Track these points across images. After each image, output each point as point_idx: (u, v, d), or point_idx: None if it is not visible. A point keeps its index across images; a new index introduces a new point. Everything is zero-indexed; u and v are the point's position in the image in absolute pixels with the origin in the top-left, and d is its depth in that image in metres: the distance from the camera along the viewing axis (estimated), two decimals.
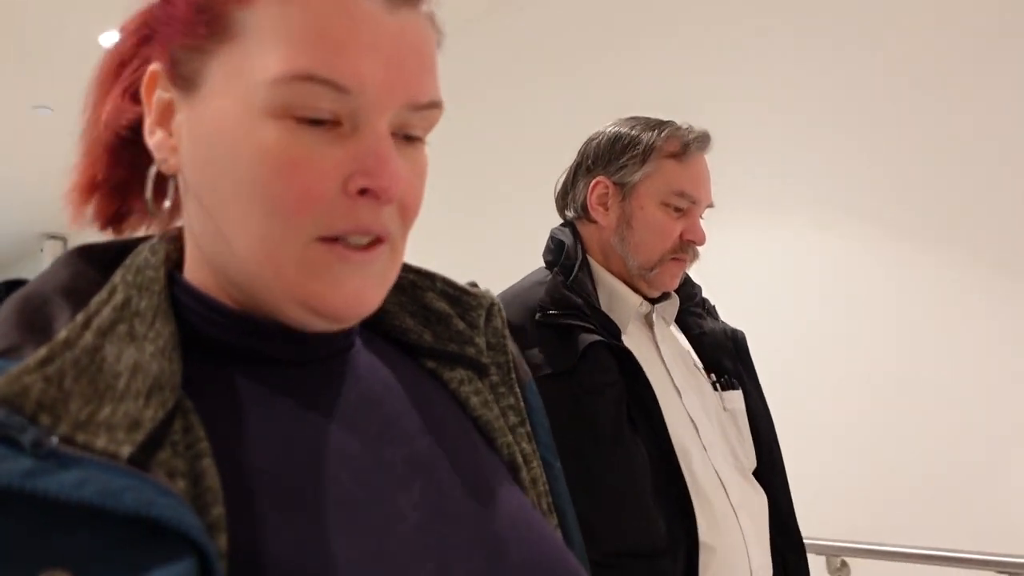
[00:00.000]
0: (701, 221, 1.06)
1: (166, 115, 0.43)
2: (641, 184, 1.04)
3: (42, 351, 0.34)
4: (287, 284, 0.40)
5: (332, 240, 0.40)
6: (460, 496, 0.45)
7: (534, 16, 3.20)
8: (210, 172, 0.41)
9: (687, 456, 0.95)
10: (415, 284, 0.54)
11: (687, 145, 1.04)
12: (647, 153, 1.03)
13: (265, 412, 0.42)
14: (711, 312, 1.20)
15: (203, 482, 0.35)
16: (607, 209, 1.06)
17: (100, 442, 0.33)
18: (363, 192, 0.40)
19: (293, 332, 0.44)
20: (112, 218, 0.48)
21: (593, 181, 1.07)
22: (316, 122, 0.39)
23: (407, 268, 0.54)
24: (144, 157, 0.45)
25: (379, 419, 0.46)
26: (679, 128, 1.05)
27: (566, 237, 1.07)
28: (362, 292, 0.42)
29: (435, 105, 0.43)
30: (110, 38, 0.45)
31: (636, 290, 1.07)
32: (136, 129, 0.44)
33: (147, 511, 0.31)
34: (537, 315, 0.98)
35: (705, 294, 1.21)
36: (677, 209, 1.03)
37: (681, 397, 1.02)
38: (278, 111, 0.38)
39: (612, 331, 0.99)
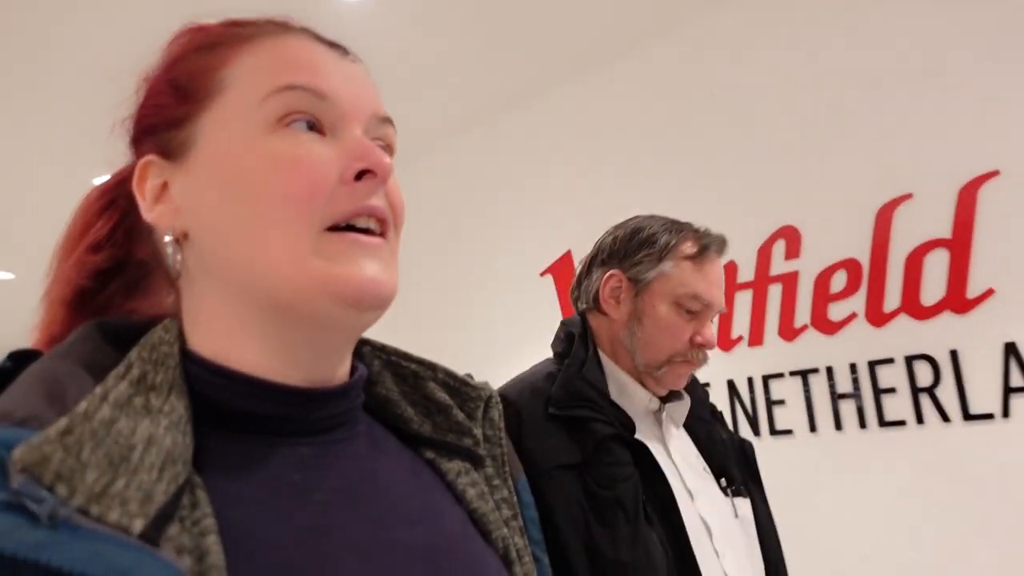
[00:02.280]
0: (711, 325, 1.06)
1: (160, 196, 0.48)
2: (655, 282, 1.04)
3: (62, 422, 0.35)
4: (311, 275, 0.43)
5: (341, 229, 0.44)
6: None
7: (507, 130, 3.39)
8: (217, 205, 0.45)
9: (699, 559, 0.92)
10: (417, 375, 0.56)
11: (705, 248, 1.04)
12: (664, 252, 1.04)
13: (272, 487, 0.42)
14: (719, 418, 1.19)
15: (207, 559, 0.35)
16: (619, 303, 1.06)
17: (113, 515, 0.33)
18: (359, 177, 0.45)
19: (302, 391, 0.46)
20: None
21: (608, 274, 1.07)
22: (307, 127, 0.45)
23: (410, 358, 0.56)
24: (101, 308, 0.51)
25: (381, 502, 0.46)
26: (698, 231, 1.07)
27: (576, 328, 1.07)
28: (379, 276, 0.45)
29: (392, 122, 0.51)
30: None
31: (643, 386, 1.07)
32: (97, 276, 0.51)
33: None
34: (551, 408, 0.97)
35: None
36: (689, 311, 1.03)
37: (693, 499, 1.00)
38: (272, 124, 0.44)
39: (626, 424, 0.99)
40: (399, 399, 0.54)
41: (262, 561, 0.38)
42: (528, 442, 0.94)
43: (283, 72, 0.45)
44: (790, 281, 2.34)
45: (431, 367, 0.56)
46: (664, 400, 1.09)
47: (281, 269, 0.43)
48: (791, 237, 2.36)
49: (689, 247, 1.04)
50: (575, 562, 0.86)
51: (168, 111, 0.47)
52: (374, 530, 0.44)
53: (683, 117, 2.68)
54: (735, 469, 1.08)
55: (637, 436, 0.98)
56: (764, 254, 2.41)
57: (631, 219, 1.12)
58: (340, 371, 0.49)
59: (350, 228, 0.45)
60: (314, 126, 0.45)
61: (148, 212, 0.47)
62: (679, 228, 1.07)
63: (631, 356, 1.05)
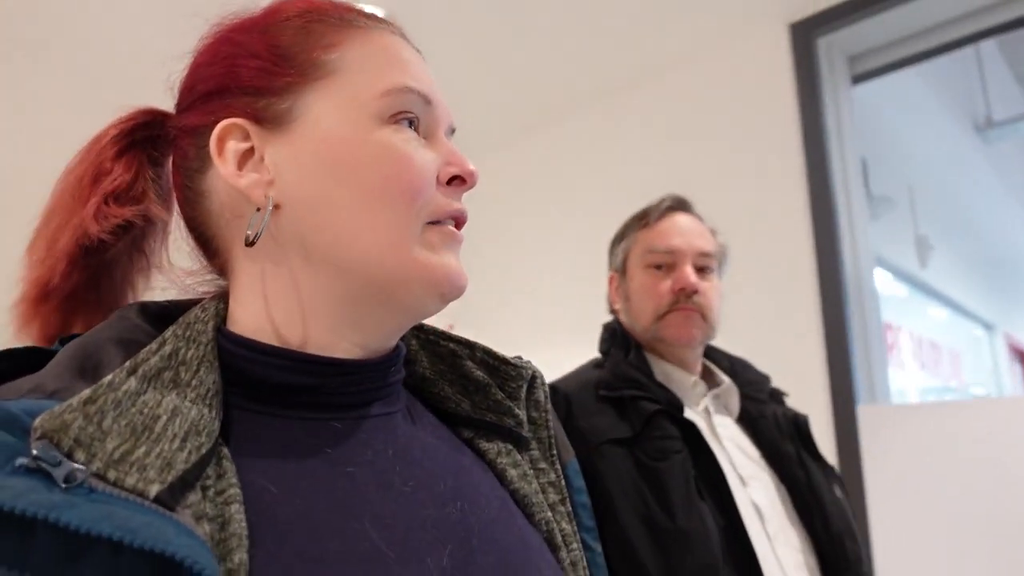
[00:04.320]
0: (688, 268, 1.07)
1: (244, 161, 0.46)
2: (627, 260, 1.14)
3: (86, 392, 0.36)
4: (414, 262, 0.46)
5: (436, 223, 0.47)
6: (493, 565, 0.44)
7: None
8: (328, 185, 0.45)
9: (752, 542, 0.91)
10: (455, 353, 0.55)
11: (648, 213, 1.12)
12: (624, 233, 1.16)
13: (302, 462, 0.42)
14: (776, 398, 1.17)
15: (229, 527, 0.36)
16: (619, 297, 1.16)
17: (130, 480, 0.34)
18: (451, 182, 0.48)
19: (338, 362, 0.46)
20: (53, 339, 0.48)
21: (608, 279, 1.19)
22: (410, 127, 0.47)
23: (448, 336, 0.56)
24: (110, 267, 0.49)
25: (415, 479, 0.46)
26: (650, 204, 1.15)
27: (616, 327, 1.14)
28: (462, 269, 0.49)
29: (454, 131, 0.53)
30: None
31: (683, 369, 1.09)
32: (115, 232, 0.47)
33: (162, 548, 0.31)
34: (601, 391, 1.01)
35: None
36: (657, 267, 1.08)
37: (744, 484, 0.99)
38: (386, 119, 0.46)
39: (675, 403, 1.00)
40: (436, 377, 0.54)
41: (286, 532, 0.38)
42: (578, 422, 0.97)
43: (398, 72, 0.48)
44: None
45: (469, 345, 0.55)
46: (711, 387, 1.09)
47: (386, 252, 0.45)
48: None
49: (641, 219, 1.13)
50: (632, 533, 0.87)
51: (269, 76, 0.46)
52: (406, 506, 0.44)
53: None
54: (786, 444, 1.06)
55: (686, 416, 0.99)
56: None
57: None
58: (384, 349, 0.49)
59: (442, 222, 0.48)
60: (415, 126, 0.48)
61: (236, 177, 0.46)
62: (638, 212, 1.15)
63: (641, 334, 1.10)
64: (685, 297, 1.05)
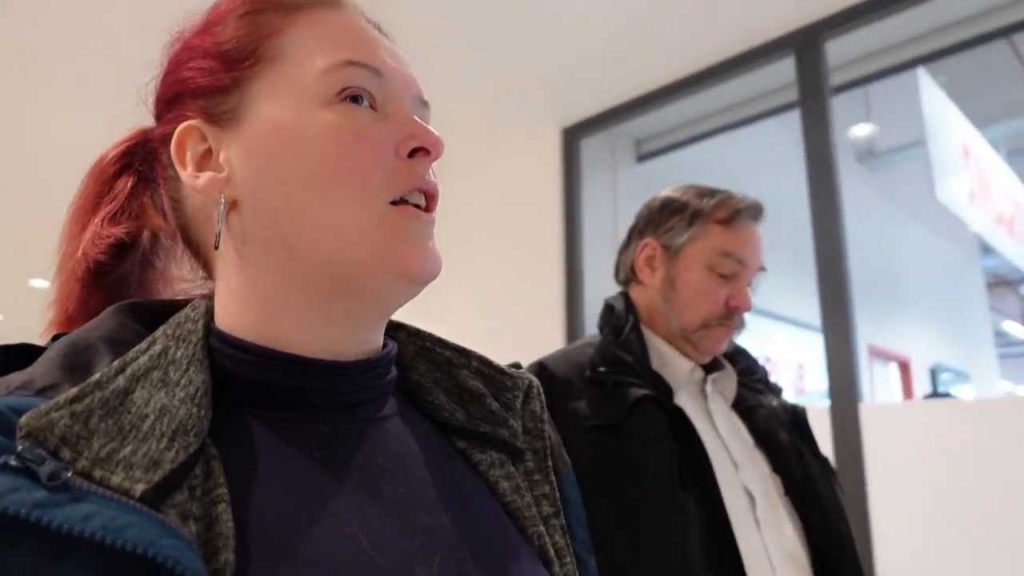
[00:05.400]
0: (746, 286, 1.03)
1: (204, 163, 0.46)
2: (687, 246, 1.04)
3: (73, 390, 0.36)
4: (374, 248, 0.44)
5: (399, 202, 0.45)
6: None
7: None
8: (278, 174, 0.44)
9: (737, 529, 0.89)
10: (451, 361, 0.54)
11: (736, 213, 1.03)
12: (694, 217, 1.04)
13: (292, 465, 0.42)
14: (773, 389, 1.15)
15: (216, 527, 0.35)
16: (653, 270, 1.07)
17: (116, 479, 0.34)
18: (412, 154, 0.46)
19: (325, 363, 0.45)
20: None
21: (642, 243, 1.09)
22: (360, 103, 0.46)
23: (445, 344, 0.54)
24: (119, 287, 0.49)
25: (405, 486, 0.45)
26: (731, 197, 1.05)
27: (617, 303, 1.09)
28: (434, 251, 0.47)
29: (428, 105, 0.51)
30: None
31: (684, 355, 1.05)
32: (114, 251, 0.48)
33: (146, 549, 0.31)
34: (587, 372, 0.98)
35: None
36: (722, 275, 1.02)
37: (738, 470, 0.98)
38: (330, 98, 0.45)
39: (663, 389, 0.98)
40: (431, 386, 0.53)
41: (273, 533, 0.38)
42: (563, 405, 0.95)
43: (343, 47, 0.46)
44: None
45: (465, 354, 0.54)
46: (707, 371, 1.07)
47: (346, 239, 0.43)
48: None
49: (720, 212, 1.04)
50: (605, 521, 0.84)
51: (214, 75, 0.46)
52: (396, 513, 0.43)
53: None
54: (783, 433, 1.04)
55: (677, 403, 0.97)
56: None
57: (669, 189, 1.12)
58: (369, 347, 0.48)
59: (403, 203, 0.46)
60: (367, 102, 0.46)
61: (193, 179, 0.46)
62: (712, 195, 1.06)
63: (668, 323, 1.05)
64: (737, 316, 1.03)
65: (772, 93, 2.47)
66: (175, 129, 0.47)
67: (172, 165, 0.48)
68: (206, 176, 0.46)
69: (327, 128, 0.44)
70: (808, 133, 2.11)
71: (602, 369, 0.98)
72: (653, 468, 0.89)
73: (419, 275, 0.45)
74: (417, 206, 0.47)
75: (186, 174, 0.46)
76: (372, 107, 0.46)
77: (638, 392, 0.94)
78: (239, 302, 0.46)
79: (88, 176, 0.51)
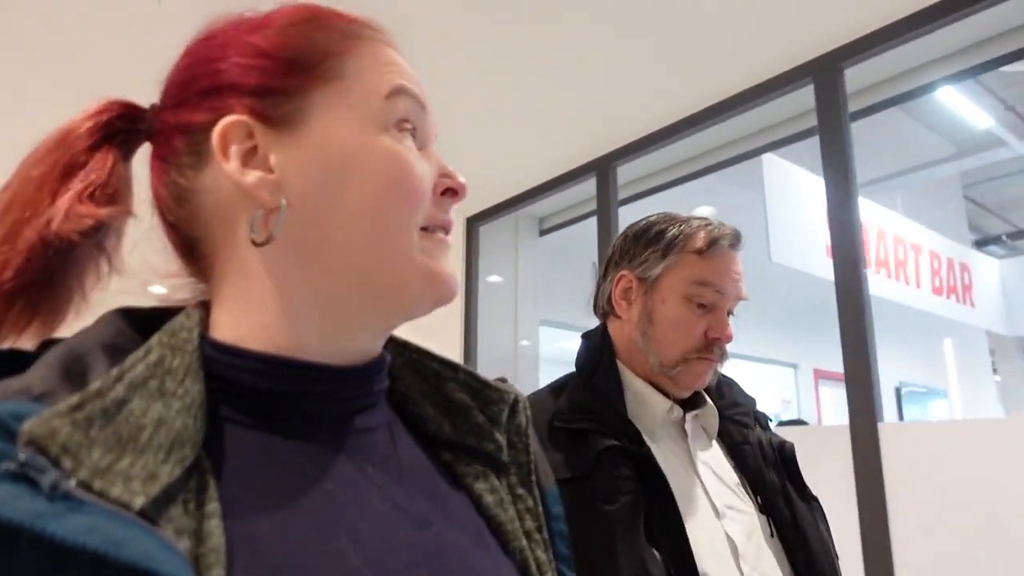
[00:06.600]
0: (725, 316, 0.99)
1: (247, 160, 0.45)
2: (663, 278, 0.99)
3: (74, 398, 0.35)
4: (414, 265, 0.47)
5: (426, 229, 0.48)
6: None
7: None
8: (334, 189, 0.45)
9: None
10: (438, 373, 0.54)
11: (713, 241, 0.98)
12: (669, 246, 0.99)
13: (282, 477, 0.42)
14: (761, 423, 1.09)
15: (207, 542, 0.35)
16: (630, 304, 1.02)
17: (115, 491, 0.33)
18: (444, 193, 0.50)
19: (322, 367, 0.46)
20: None
21: (618, 275, 1.03)
22: (412, 136, 0.49)
23: (432, 356, 0.55)
24: (67, 265, 0.44)
25: (393, 498, 0.46)
26: (708, 224, 1.01)
27: (593, 339, 1.04)
28: (456, 272, 0.50)
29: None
30: None
31: (664, 392, 1.00)
32: (90, 234, 0.44)
33: (145, 564, 0.31)
34: (555, 422, 0.93)
35: None
36: (700, 305, 0.97)
37: (719, 517, 0.92)
38: (389, 124, 0.47)
39: (632, 436, 0.91)
40: (418, 397, 0.54)
41: (265, 548, 0.38)
42: None
43: (399, 78, 0.49)
44: None
45: (452, 367, 0.55)
46: (686, 408, 1.01)
47: (390, 257, 0.46)
48: None
49: (696, 240, 0.99)
50: None
51: (270, 76, 0.46)
52: (384, 526, 0.43)
53: None
54: (771, 473, 0.99)
55: (657, 451, 0.91)
56: None
57: (644, 218, 1.07)
58: (370, 357, 0.50)
59: (427, 231, 0.49)
60: (412, 136, 0.49)
61: (240, 174, 0.44)
62: (688, 222, 1.01)
63: (647, 359, 0.99)
64: (717, 347, 0.97)
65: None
66: (214, 119, 0.45)
67: (190, 153, 0.46)
68: (255, 175, 0.45)
69: (389, 153, 0.46)
70: (827, 158, 2.16)
71: (567, 416, 0.92)
72: (615, 523, 0.83)
73: (447, 296, 0.49)
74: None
75: (231, 168, 0.44)
76: (413, 140, 0.49)
77: (605, 442, 0.88)
78: (252, 305, 0.46)
79: (55, 142, 0.45)
